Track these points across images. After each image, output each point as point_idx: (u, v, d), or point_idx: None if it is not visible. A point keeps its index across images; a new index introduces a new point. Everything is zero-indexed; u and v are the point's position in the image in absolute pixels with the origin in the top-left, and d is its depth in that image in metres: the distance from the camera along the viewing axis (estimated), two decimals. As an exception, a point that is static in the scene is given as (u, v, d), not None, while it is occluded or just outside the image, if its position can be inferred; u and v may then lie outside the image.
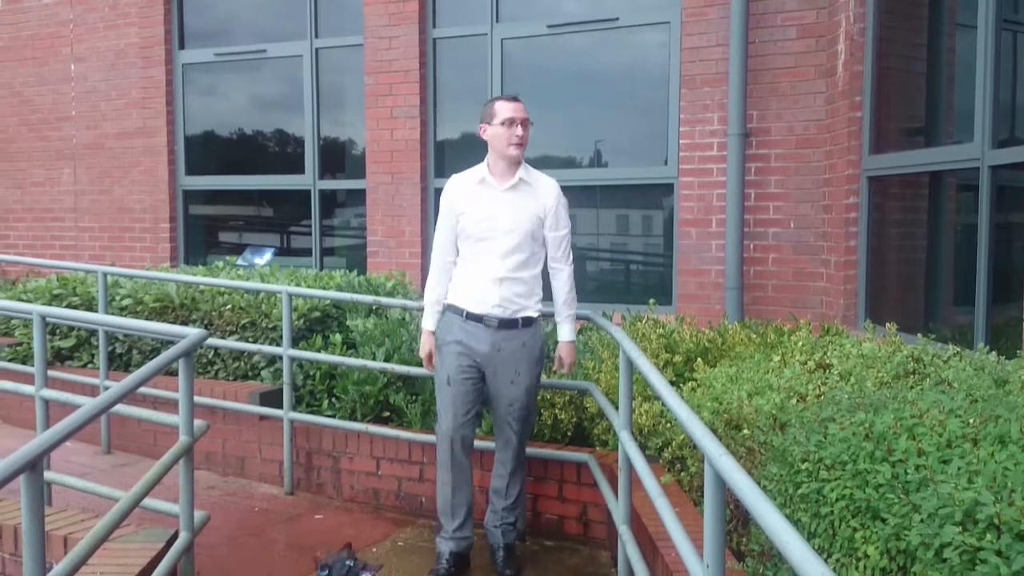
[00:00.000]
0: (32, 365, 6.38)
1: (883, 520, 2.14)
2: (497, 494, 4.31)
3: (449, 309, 4.14)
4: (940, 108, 5.69)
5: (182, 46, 9.20)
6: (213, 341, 5.92)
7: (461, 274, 4.11)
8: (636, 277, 7.65)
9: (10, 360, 6.81)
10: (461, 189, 4.09)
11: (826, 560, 2.09)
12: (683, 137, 6.95)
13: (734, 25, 6.58)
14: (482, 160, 4.14)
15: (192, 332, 3.84)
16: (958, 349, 3.73)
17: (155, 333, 5.03)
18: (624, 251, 7.75)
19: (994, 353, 3.67)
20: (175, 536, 3.70)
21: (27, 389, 4.46)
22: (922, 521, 2.01)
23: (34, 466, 2.29)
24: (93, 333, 6.62)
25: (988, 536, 1.84)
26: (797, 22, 6.54)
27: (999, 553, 1.80)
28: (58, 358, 6.77)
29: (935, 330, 4.97)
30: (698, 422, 2.37)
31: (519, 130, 3.99)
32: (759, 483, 2.05)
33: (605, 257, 7.76)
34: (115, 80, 9.35)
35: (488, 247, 3.99)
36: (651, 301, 6.01)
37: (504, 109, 4.03)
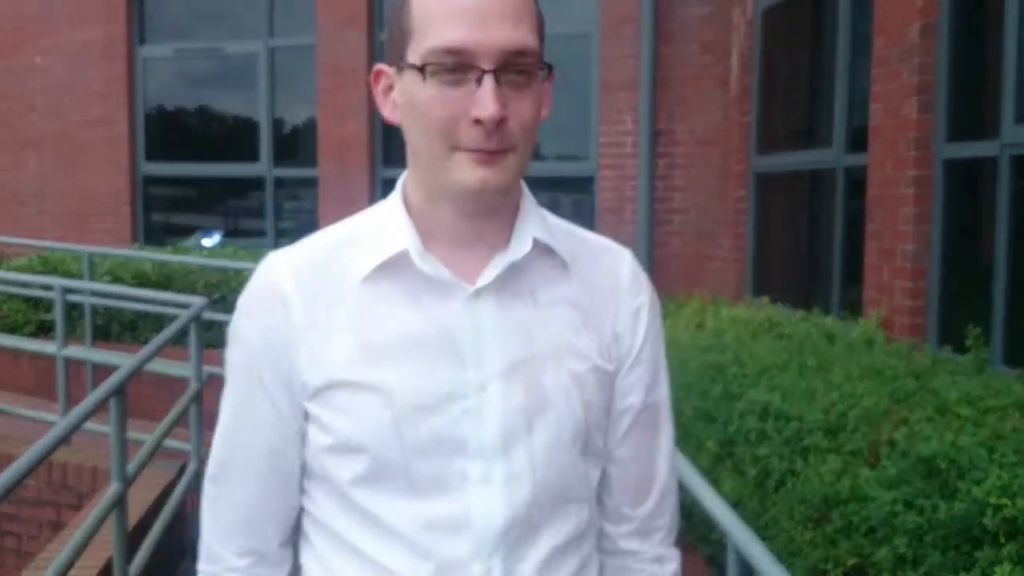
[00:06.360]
0: (18, 335, 7.18)
1: (715, 420, 3.17)
2: None
3: None
4: (816, 117, 6.78)
5: (143, 42, 9.88)
6: (191, 313, 6.76)
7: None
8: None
9: (-1, 331, 7.53)
10: (307, 305, 1.14)
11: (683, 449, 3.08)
12: (602, 136, 7.96)
13: (645, 39, 7.61)
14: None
15: (196, 300, 4.73)
16: (806, 314, 4.80)
17: (167, 302, 5.87)
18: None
19: (831, 318, 4.75)
20: (184, 466, 4.60)
21: (49, 348, 5.28)
22: (740, 418, 3.04)
23: (120, 391, 3.18)
24: (75, 307, 7.36)
25: (771, 422, 2.86)
26: (698, 40, 7.60)
27: (778, 431, 2.83)
28: (41, 330, 7.50)
29: (809, 303, 6.06)
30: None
31: (489, 97, 1.04)
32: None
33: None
34: (79, 73, 9.97)
35: (447, 510, 1.13)
36: (572, 278, 6.98)
37: (435, 15, 1.07)
